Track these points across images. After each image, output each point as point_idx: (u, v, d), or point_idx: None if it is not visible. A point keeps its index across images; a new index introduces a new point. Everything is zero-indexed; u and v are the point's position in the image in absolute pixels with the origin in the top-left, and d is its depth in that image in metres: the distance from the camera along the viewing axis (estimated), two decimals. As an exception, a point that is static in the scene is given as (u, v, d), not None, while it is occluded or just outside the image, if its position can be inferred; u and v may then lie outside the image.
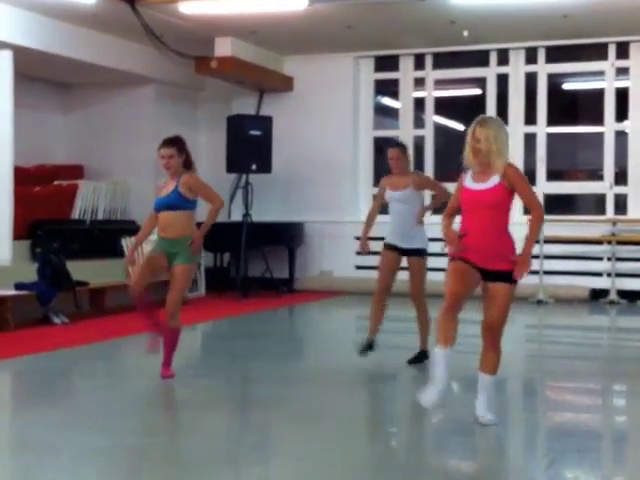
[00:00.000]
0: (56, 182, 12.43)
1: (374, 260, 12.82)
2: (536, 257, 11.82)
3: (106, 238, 11.98)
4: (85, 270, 10.50)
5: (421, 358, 7.20)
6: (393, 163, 7.29)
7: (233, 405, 6.17)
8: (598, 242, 12.16)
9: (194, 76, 12.91)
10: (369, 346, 7.17)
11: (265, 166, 12.70)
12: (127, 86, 13.14)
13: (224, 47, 12.17)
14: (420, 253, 7.23)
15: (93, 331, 9.11)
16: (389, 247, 7.31)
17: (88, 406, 5.81)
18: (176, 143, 6.74)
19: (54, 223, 11.63)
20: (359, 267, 13.17)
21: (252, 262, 12.61)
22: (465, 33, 11.85)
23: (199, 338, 9.37)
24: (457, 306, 5.07)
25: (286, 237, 13.11)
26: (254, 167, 12.52)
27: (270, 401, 6.02)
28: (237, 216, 12.98)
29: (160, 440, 4.96)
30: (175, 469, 4.40)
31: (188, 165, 6.75)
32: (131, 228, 12.37)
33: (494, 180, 5.17)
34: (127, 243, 11.45)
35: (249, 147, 12.48)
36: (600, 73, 12.55)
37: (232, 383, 6.82)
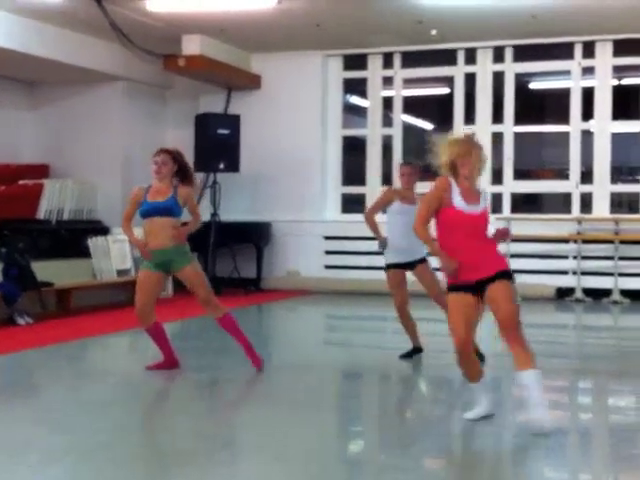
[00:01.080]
0: (21, 182, 12.27)
1: (342, 260, 12.98)
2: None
3: (72, 238, 11.86)
4: (51, 270, 10.38)
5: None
6: (404, 179, 7.47)
7: (202, 403, 6.13)
8: (564, 241, 12.26)
9: (162, 74, 12.85)
10: (415, 350, 7.43)
11: (233, 165, 12.66)
12: (95, 84, 13.02)
13: (192, 45, 12.10)
14: (424, 259, 7.36)
15: (59, 331, 9.02)
16: (394, 266, 7.37)
17: (55, 406, 5.75)
18: (173, 152, 6.83)
19: (19, 223, 11.50)
20: (328, 267, 13.20)
21: (220, 261, 12.56)
22: (433, 32, 11.90)
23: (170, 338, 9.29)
24: (469, 348, 5.14)
25: (254, 236, 13.07)
26: (222, 166, 12.48)
27: (239, 400, 5.99)
28: (205, 215, 12.82)
29: (128, 438, 4.92)
30: (143, 467, 4.37)
31: (184, 177, 6.79)
32: (98, 228, 12.29)
33: (483, 201, 5.22)
34: (93, 243, 11.36)
35: (217, 146, 12.43)
36: (566, 72, 12.66)
37: (200, 382, 6.78)
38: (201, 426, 5.32)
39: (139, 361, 7.26)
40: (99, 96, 13.11)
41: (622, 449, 4.91)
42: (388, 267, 7.43)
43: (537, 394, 5.01)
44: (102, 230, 12.19)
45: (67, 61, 11.69)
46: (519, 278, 11.75)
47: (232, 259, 12.85)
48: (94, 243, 11.35)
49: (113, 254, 11.42)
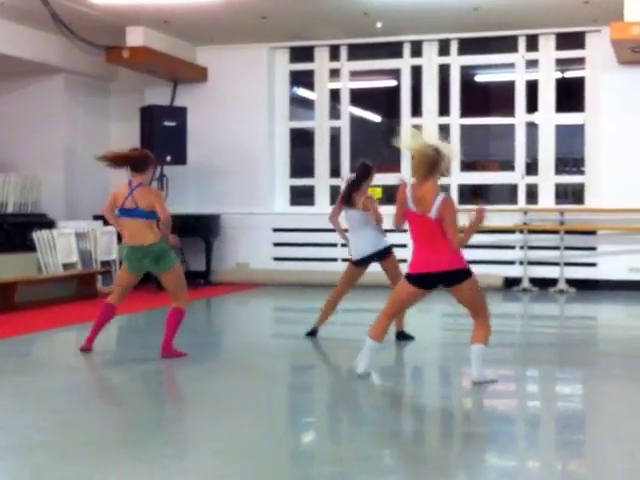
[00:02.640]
0: (-37, 175, 12.06)
1: (291, 252, 12.96)
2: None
3: (16, 232, 11.69)
4: (-6, 265, 10.21)
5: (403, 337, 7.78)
6: None
7: (148, 398, 6.08)
8: (511, 231, 12.40)
9: (106, 66, 12.68)
10: (314, 332, 7.97)
11: (180, 157, 12.56)
12: (36, 76, 12.81)
13: (136, 37, 11.97)
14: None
15: (3, 327, 8.85)
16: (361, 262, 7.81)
17: (-4, 404, 5.64)
18: None
19: (-37, 217, 11.30)
20: (276, 259, 13.18)
21: (168, 255, 12.43)
22: (379, 25, 11.93)
23: (114, 332, 9.20)
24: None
25: (202, 229, 12.98)
26: (169, 159, 12.37)
27: (186, 394, 5.95)
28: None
29: (70, 435, 4.84)
30: (85, 464, 4.30)
31: None
32: (42, 221, 12.10)
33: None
34: (38, 237, 11.19)
35: (163, 138, 12.31)
36: (511, 65, 12.79)
37: (147, 376, 6.72)
38: (146, 421, 5.27)
39: (84, 356, 7.16)
40: (41, 88, 12.91)
41: (566, 435, 4.99)
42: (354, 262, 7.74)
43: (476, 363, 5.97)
44: (47, 223, 12.02)
45: (6, 52, 11.48)
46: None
47: (180, 252, 12.74)
48: (39, 236, 11.18)
49: (59, 248, 11.25)
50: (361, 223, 7.63)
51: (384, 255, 7.62)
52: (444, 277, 5.89)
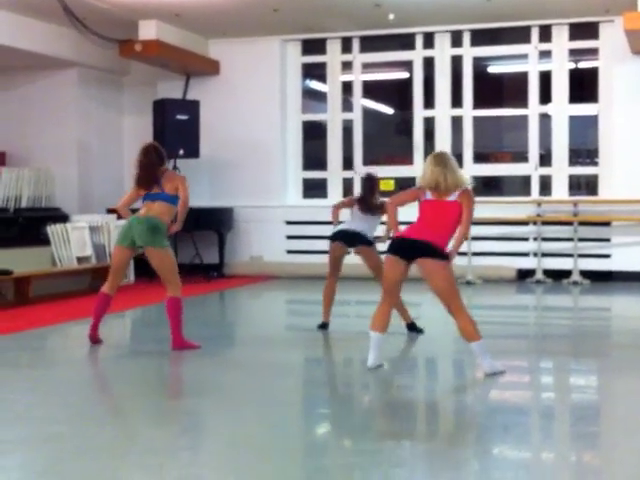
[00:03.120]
0: (-23, 169, 12.11)
1: (304, 244, 12.96)
2: (465, 238, 11.96)
3: (31, 226, 11.73)
4: (9, 259, 10.24)
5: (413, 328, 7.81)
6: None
7: (161, 391, 6.10)
8: (524, 223, 12.36)
9: (119, 60, 12.70)
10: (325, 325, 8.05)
11: (193, 151, 12.57)
12: (49, 70, 12.85)
13: (148, 30, 11.98)
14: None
15: (17, 321, 8.90)
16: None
17: (10, 397, 5.66)
18: None
19: (-24, 212, 11.35)
20: (290, 252, 13.19)
21: (181, 248, 12.48)
22: (391, 16, 11.89)
23: (128, 325, 9.25)
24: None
25: (215, 222, 13.01)
26: (182, 152, 12.38)
27: (199, 386, 5.97)
28: (165, 202, 12.79)
29: (84, 428, 4.86)
30: (99, 456, 4.32)
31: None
32: (56, 215, 12.15)
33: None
34: (52, 231, 11.23)
35: (176, 132, 12.32)
36: (524, 56, 12.73)
37: (161, 369, 6.75)
38: (159, 413, 5.29)
39: (99, 349, 7.20)
40: (54, 82, 12.94)
41: (580, 427, 4.97)
42: (332, 236, 7.91)
43: (482, 358, 6.04)
44: (61, 217, 12.06)
45: (20, 47, 11.53)
46: (480, 260, 11.96)
47: (194, 245, 12.78)
48: (53, 230, 11.21)
49: (73, 241, 11.29)
50: (372, 225, 7.89)
51: (369, 243, 7.76)
52: (421, 247, 5.99)
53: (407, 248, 6.06)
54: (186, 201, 7.15)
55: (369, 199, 7.89)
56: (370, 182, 8.00)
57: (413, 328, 7.74)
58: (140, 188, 7.14)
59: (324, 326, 7.99)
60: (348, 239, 7.83)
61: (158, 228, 6.96)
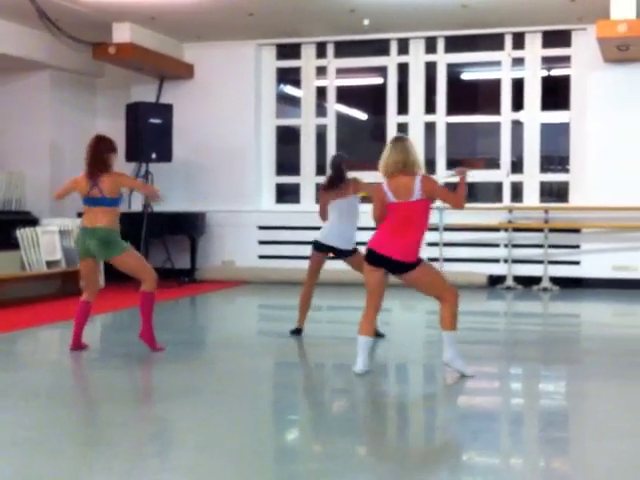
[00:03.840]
0: (-53, 172, 11.99)
1: (277, 250, 12.95)
2: (435, 245, 12.05)
3: (0, 229, 11.62)
4: (-22, 262, 10.16)
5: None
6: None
7: (132, 396, 6.07)
8: (495, 229, 12.44)
9: (92, 62, 12.63)
10: (299, 331, 8.03)
11: (165, 155, 12.52)
12: (21, 72, 12.75)
13: (122, 33, 11.93)
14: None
15: (-14, 324, 8.81)
16: (326, 249, 7.91)
17: (-21, 401, 5.61)
18: None
19: (-54, 214, 11.23)
20: (262, 257, 13.17)
21: (153, 252, 12.41)
22: (365, 22, 11.92)
23: (98, 329, 9.18)
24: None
25: (188, 227, 12.96)
26: (154, 156, 12.33)
27: (170, 391, 5.94)
28: (137, 206, 12.76)
29: (53, 433, 4.82)
30: (68, 462, 4.29)
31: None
32: (27, 219, 12.05)
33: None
34: (21, 234, 11.14)
35: (149, 135, 12.28)
36: (497, 63, 12.81)
37: (131, 374, 6.71)
38: (129, 419, 5.26)
39: (69, 354, 7.14)
40: (26, 85, 12.85)
41: (550, 433, 5.00)
42: (318, 247, 7.75)
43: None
44: (31, 221, 11.96)
45: (-8, 49, 11.43)
46: (451, 266, 12.01)
47: (165, 250, 12.72)
48: (23, 234, 11.12)
49: (42, 245, 11.20)
50: (351, 212, 7.73)
51: (353, 251, 7.75)
52: (396, 265, 6.08)
53: (382, 263, 6.11)
54: (142, 187, 7.35)
55: (340, 183, 7.75)
56: (341, 161, 7.88)
57: (376, 333, 7.72)
58: (85, 178, 7.05)
59: (298, 332, 7.98)
60: (335, 251, 7.76)
61: (109, 239, 6.97)
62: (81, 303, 7.20)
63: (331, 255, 7.89)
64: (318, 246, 7.79)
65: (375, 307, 6.30)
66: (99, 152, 7.02)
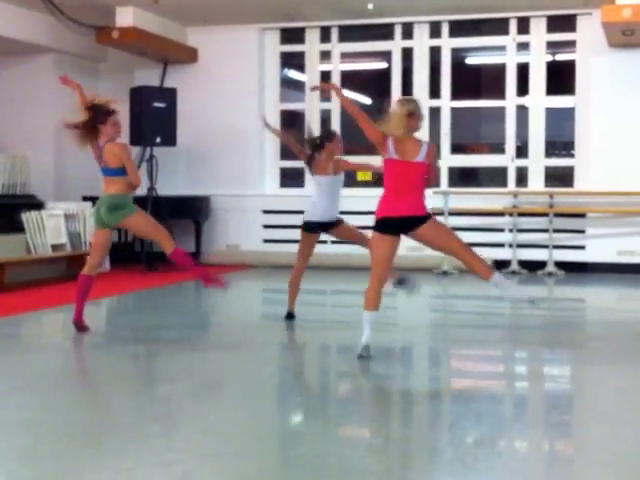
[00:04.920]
0: (-49, 156, 11.99)
1: (281, 234, 12.95)
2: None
3: (5, 213, 11.62)
4: (-17, 246, 10.17)
5: None
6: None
7: (137, 378, 6.09)
8: (500, 214, 12.42)
9: (95, 46, 12.59)
10: (291, 315, 7.90)
11: (170, 139, 12.51)
12: (24, 56, 12.71)
13: (126, 17, 11.90)
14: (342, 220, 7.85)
15: (-9, 308, 8.83)
16: (317, 227, 7.77)
17: (-15, 383, 5.63)
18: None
19: (-50, 198, 11.23)
20: (266, 240, 13.18)
21: (157, 236, 12.39)
22: (370, 6, 11.88)
23: (104, 313, 9.20)
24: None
25: (192, 211, 12.97)
26: (158, 140, 12.32)
27: (175, 373, 5.95)
28: (142, 190, 12.72)
29: (59, 415, 4.84)
30: (73, 443, 4.30)
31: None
32: (31, 203, 12.05)
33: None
34: (27, 218, 11.15)
35: (153, 119, 12.26)
36: (502, 48, 12.76)
37: (137, 356, 6.73)
38: (135, 400, 5.28)
39: (74, 337, 7.16)
40: (29, 68, 12.81)
41: (553, 416, 5.01)
42: (310, 228, 7.63)
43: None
44: (36, 205, 11.96)
45: (-5, 32, 11.40)
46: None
47: (170, 234, 12.69)
48: (28, 218, 11.13)
49: (47, 229, 11.22)
50: (335, 188, 7.68)
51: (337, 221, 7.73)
52: (407, 222, 6.10)
53: (394, 226, 6.10)
54: (130, 172, 7.05)
55: (316, 157, 7.70)
56: (327, 136, 7.96)
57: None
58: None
59: (290, 316, 7.86)
60: (324, 228, 7.73)
61: (118, 204, 7.02)
62: (81, 277, 7.21)
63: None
64: (309, 227, 7.69)
65: (380, 279, 6.19)
66: (91, 122, 7.02)
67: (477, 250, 12.37)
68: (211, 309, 9.91)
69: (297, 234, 12.63)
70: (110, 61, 13.75)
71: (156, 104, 12.36)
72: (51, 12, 11.47)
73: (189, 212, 12.94)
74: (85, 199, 12.46)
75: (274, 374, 6.26)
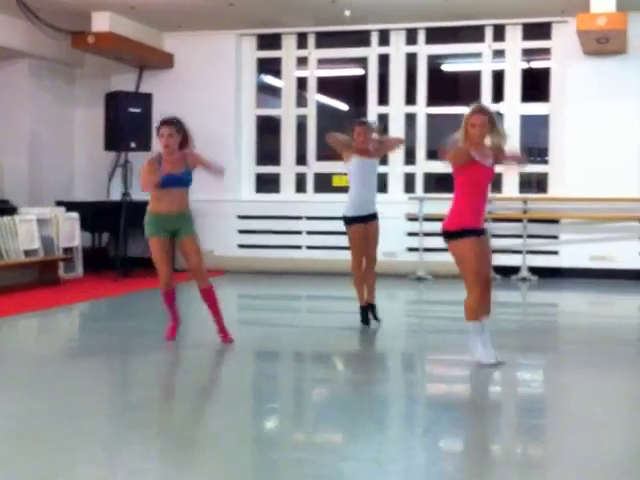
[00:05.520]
0: None
1: (255, 239, 12.94)
2: (415, 234, 12.09)
3: (-22, 218, 11.52)
4: (-44, 251, 10.07)
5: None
6: (361, 137, 7.90)
7: (112, 385, 6.06)
8: (475, 220, 12.45)
9: (72, 52, 12.52)
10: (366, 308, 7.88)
11: (145, 144, 12.45)
12: (0, 61, 12.63)
13: (102, 22, 11.84)
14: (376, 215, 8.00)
15: (-36, 314, 8.76)
16: (356, 220, 7.87)
17: (-43, 390, 5.59)
18: (175, 123, 7.15)
19: None
20: (241, 246, 13.16)
21: (132, 242, 12.37)
22: (347, 13, 11.91)
23: (77, 319, 9.16)
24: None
25: (167, 216, 12.89)
26: (133, 145, 12.28)
27: (150, 380, 5.94)
28: (116, 195, 12.72)
29: (33, 423, 4.81)
30: (49, 451, 4.28)
31: (184, 144, 7.24)
32: (4, 208, 11.96)
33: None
34: (1, 223, 11.06)
35: (128, 125, 12.21)
36: (477, 55, 12.83)
37: (110, 363, 6.70)
38: (109, 407, 5.26)
39: (48, 343, 7.12)
40: (4, 73, 12.71)
41: (525, 420, 5.05)
42: (350, 221, 7.74)
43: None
44: (9, 210, 11.88)
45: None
46: (431, 256, 12.05)
47: (144, 239, 12.64)
48: (0, 223, 11.05)
49: (20, 234, 11.14)
50: (374, 174, 7.91)
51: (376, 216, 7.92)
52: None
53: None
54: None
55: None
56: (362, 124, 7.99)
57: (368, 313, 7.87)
58: None
59: (371, 308, 7.91)
60: (364, 220, 7.80)
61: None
62: (166, 292, 7.29)
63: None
64: (348, 219, 7.78)
65: (488, 286, 6.50)
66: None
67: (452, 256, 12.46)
68: (186, 315, 9.87)
69: (273, 239, 12.76)
70: (87, 67, 13.69)
71: (131, 109, 12.32)
72: (27, 17, 11.41)
73: (165, 217, 12.86)
74: (59, 204, 12.40)
75: (250, 380, 6.25)
